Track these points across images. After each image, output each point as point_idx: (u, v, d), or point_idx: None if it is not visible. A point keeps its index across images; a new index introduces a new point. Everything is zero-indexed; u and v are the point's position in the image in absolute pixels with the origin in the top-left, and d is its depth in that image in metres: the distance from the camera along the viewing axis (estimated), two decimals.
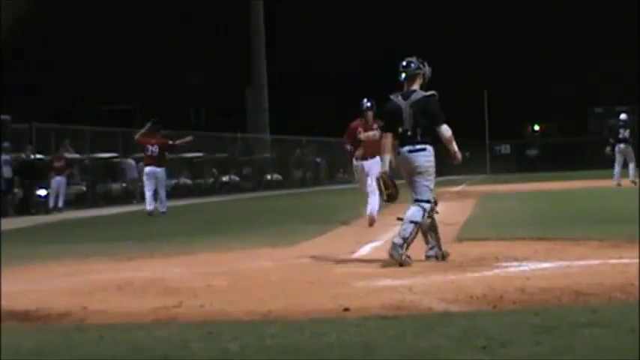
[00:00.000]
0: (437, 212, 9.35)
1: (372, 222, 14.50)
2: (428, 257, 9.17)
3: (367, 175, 14.81)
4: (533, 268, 8.31)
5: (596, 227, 12.16)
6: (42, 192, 26.71)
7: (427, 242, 9.23)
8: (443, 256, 9.15)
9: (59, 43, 58.96)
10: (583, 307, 6.02)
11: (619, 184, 25.91)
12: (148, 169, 21.42)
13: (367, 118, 15.04)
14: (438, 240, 9.23)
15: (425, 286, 7.32)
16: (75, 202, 29.15)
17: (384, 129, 9.61)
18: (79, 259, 10.75)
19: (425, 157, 9.14)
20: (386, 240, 12.10)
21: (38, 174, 26.70)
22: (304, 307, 6.47)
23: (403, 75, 9.36)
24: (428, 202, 9.11)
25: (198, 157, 39.97)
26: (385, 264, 9.11)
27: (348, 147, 15.32)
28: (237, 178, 42.37)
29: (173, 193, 33.75)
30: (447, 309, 6.21)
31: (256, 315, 6.19)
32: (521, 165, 60.98)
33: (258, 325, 5.76)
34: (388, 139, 9.40)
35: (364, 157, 15.02)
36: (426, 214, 9.08)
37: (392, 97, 9.41)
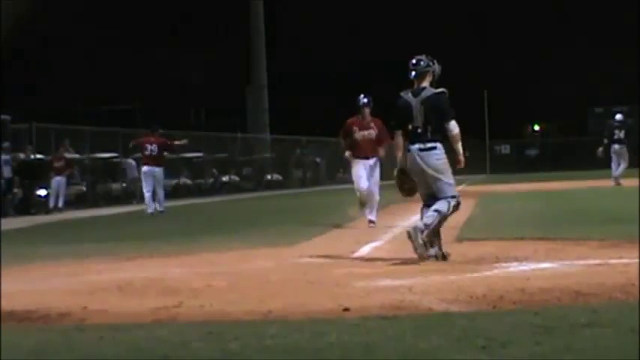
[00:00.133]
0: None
1: (370, 224, 14.24)
2: (428, 257, 9.16)
3: (369, 175, 14.47)
4: (533, 268, 8.31)
5: (596, 227, 12.16)
6: (42, 192, 26.71)
7: (428, 241, 9.22)
8: (443, 257, 9.15)
9: (59, 43, 58.94)
10: (583, 307, 6.02)
11: (618, 184, 25.92)
12: (145, 168, 21.39)
13: (364, 115, 14.55)
14: (439, 240, 9.24)
15: (425, 286, 7.32)
16: (75, 202, 29.15)
17: (394, 126, 9.61)
18: (79, 259, 10.75)
19: (436, 157, 9.17)
20: (386, 240, 12.12)
21: (38, 174, 26.70)
22: (304, 307, 6.47)
23: (413, 73, 9.41)
24: (453, 197, 9.17)
25: (198, 157, 39.97)
26: (385, 264, 9.11)
27: (347, 155, 14.87)
28: (237, 178, 42.37)
29: (173, 193, 33.79)
30: (447, 309, 6.21)
31: (256, 315, 6.19)
32: (521, 165, 60.96)
33: (258, 325, 5.76)
34: (400, 137, 9.44)
35: (364, 156, 14.56)
36: (452, 208, 9.14)
37: (402, 94, 9.46)
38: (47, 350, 5.28)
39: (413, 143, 9.24)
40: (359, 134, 14.52)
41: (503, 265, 8.61)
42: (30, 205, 26.10)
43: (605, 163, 27.32)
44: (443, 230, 9.42)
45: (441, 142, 9.22)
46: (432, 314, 6.07)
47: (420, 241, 8.93)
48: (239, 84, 54.58)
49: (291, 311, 6.30)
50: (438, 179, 9.17)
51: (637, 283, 6.81)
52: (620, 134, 26.60)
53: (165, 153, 22.15)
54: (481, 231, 12.09)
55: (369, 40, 62.77)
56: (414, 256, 9.19)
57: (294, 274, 8.62)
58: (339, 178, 46.73)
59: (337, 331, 5.32)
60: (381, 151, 14.60)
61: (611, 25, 60.65)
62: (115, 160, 33.25)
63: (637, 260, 8.00)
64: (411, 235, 8.94)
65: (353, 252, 10.57)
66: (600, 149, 26.70)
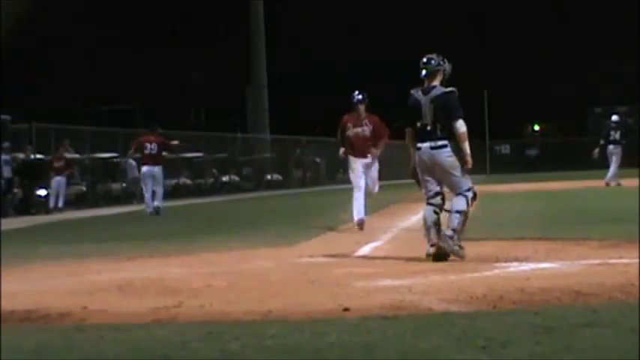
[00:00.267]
0: (444, 210, 9.39)
1: (361, 225, 13.71)
2: (428, 255, 9.17)
3: (366, 174, 14.05)
4: (533, 268, 8.31)
5: (596, 227, 12.17)
6: (42, 192, 26.71)
7: (429, 240, 9.24)
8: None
9: (59, 43, 58.93)
10: (583, 307, 6.02)
11: (618, 184, 25.94)
12: (145, 168, 21.28)
13: (358, 112, 13.97)
14: (439, 239, 9.25)
15: (425, 286, 7.32)
16: (75, 202, 29.15)
17: (403, 124, 9.63)
18: (79, 259, 10.76)
19: (447, 154, 9.24)
20: (386, 240, 12.12)
21: (38, 174, 26.69)
22: (304, 307, 6.47)
23: (424, 71, 9.47)
24: (468, 190, 9.24)
25: (198, 157, 39.97)
26: (385, 264, 9.12)
27: (341, 152, 14.35)
28: (237, 178, 42.36)
29: (173, 193, 33.78)
30: (447, 309, 6.21)
31: (256, 315, 6.19)
32: (521, 165, 60.93)
33: (258, 325, 5.76)
34: (411, 135, 9.50)
35: (359, 156, 14.01)
36: (470, 201, 9.21)
37: (412, 92, 9.54)
38: (47, 350, 5.28)
39: (423, 141, 9.30)
40: (352, 131, 13.97)
41: (504, 265, 8.62)
42: (30, 205, 26.10)
43: (604, 164, 27.33)
44: (442, 230, 9.41)
45: (449, 140, 9.27)
46: (432, 314, 6.07)
47: (455, 248, 9.01)
48: (239, 84, 54.57)
49: (291, 311, 6.30)
50: (450, 174, 9.25)
51: (637, 283, 6.81)
52: (616, 135, 26.62)
53: (165, 153, 22.13)
54: (481, 231, 12.09)
55: (369, 40, 62.75)
56: (414, 256, 9.19)
57: (294, 274, 8.62)
58: (339, 178, 46.75)
59: (337, 331, 5.32)
60: (375, 151, 14.12)
61: (611, 25, 60.63)
62: (114, 160, 33.24)
63: (637, 260, 8.01)
64: (445, 248, 8.98)
65: (353, 252, 10.58)
66: (596, 150, 26.77)
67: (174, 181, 35.89)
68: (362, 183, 13.94)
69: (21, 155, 26.97)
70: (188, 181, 38.83)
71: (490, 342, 4.89)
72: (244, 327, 5.68)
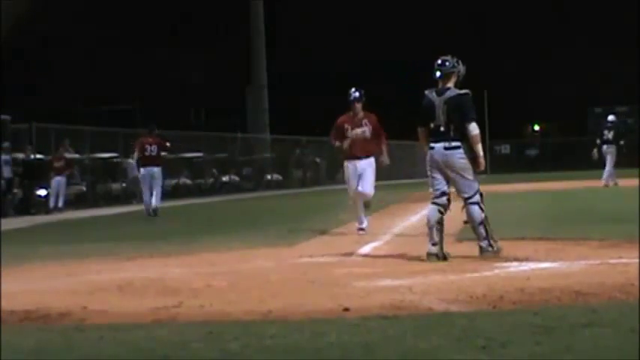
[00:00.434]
0: (450, 210, 9.44)
1: (361, 230, 13.08)
2: (429, 255, 9.18)
3: (360, 178, 13.16)
4: (533, 268, 8.31)
5: (596, 227, 12.17)
6: (42, 192, 26.71)
7: (430, 239, 9.25)
8: (444, 257, 9.16)
9: (59, 43, 58.94)
10: (583, 307, 6.02)
11: (615, 184, 25.97)
12: (144, 169, 21.14)
13: (355, 112, 13.16)
14: (441, 239, 9.27)
15: (425, 286, 7.32)
16: (75, 202, 29.15)
17: (418, 124, 9.67)
18: (79, 259, 10.75)
19: (460, 155, 9.30)
20: (386, 240, 12.11)
21: (38, 174, 26.69)
22: (304, 307, 6.47)
23: (438, 73, 9.51)
24: (476, 194, 9.32)
25: (198, 157, 39.97)
26: (385, 264, 9.12)
27: (337, 144, 13.39)
28: (237, 178, 42.35)
29: (173, 193, 33.79)
30: (447, 309, 6.21)
31: (256, 315, 6.19)
32: (521, 165, 60.95)
33: (258, 325, 5.76)
34: (424, 135, 9.58)
35: (355, 156, 13.19)
36: (480, 205, 9.30)
37: (426, 92, 9.59)
38: (47, 350, 5.28)
39: (436, 142, 9.37)
40: (351, 133, 13.16)
41: (504, 265, 8.62)
42: (30, 205, 26.10)
43: (603, 164, 27.36)
44: (444, 229, 9.42)
45: (462, 141, 9.32)
46: (432, 314, 6.08)
47: (496, 249, 9.20)
48: (239, 84, 54.57)
49: (291, 311, 6.30)
50: (461, 176, 9.30)
51: (637, 283, 6.81)
52: (609, 135, 26.68)
53: (164, 153, 22.10)
54: None
55: (369, 40, 62.76)
56: (414, 256, 9.19)
57: (294, 274, 8.62)
58: (339, 178, 46.77)
59: (337, 331, 5.32)
60: (386, 159, 13.40)
61: (611, 25, 60.65)
62: (114, 160, 33.25)
63: (637, 260, 8.01)
64: (488, 257, 9.08)
65: (353, 252, 10.58)
66: (595, 150, 26.87)
67: (174, 181, 35.89)
68: (354, 189, 13.25)
69: (21, 155, 26.96)
70: (188, 181, 38.83)
71: (490, 342, 4.89)
72: (244, 327, 5.68)
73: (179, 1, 62.28)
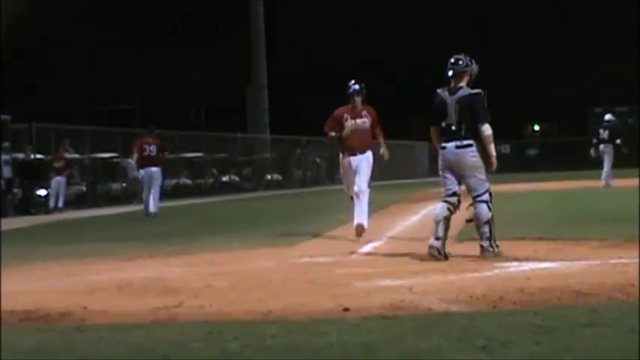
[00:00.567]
0: (459, 209, 9.47)
1: (360, 232, 12.18)
2: (430, 247, 9.17)
3: (355, 173, 12.42)
4: (533, 268, 8.31)
5: (596, 227, 12.17)
6: (42, 192, 26.70)
7: (435, 232, 9.26)
8: (445, 256, 9.16)
9: (59, 43, 58.94)
10: (583, 307, 6.02)
11: (607, 185, 26.03)
12: (143, 170, 21.01)
13: (355, 105, 12.47)
14: (444, 237, 9.28)
15: (425, 286, 7.32)
16: (75, 202, 29.15)
17: (429, 123, 9.68)
18: (79, 259, 10.76)
19: (472, 154, 9.34)
20: (386, 240, 12.11)
21: (38, 174, 26.69)
22: (304, 307, 6.47)
23: (451, 72, 9.52)
24: (485, 192, 9.33)
25: (198, 157, 39.97)
26: (385, 264, 9.13)
27: (332, 133, 12.54)
28: (237, 178, 42.35)
29: (173, 193, 33.79)
30: (447, 309, 6.21)
31: (256, 315, 6.19)
32: (521, 165, 60.92)
33: (258, 325, 5.76)
34: (436, 133, 9.58)
35: (352, 152, 12.45)
36: (489, 203, 9.33)
37: (439, 91, 9.59)
38: (47, 350, 5.28)
39: (448, 141, 9.39)
40: (350, 123, 12.40)
41: (504, 265, 8.62)
42: (30, 205, 26.09)
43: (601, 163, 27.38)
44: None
45: (475, 139, 9.35)
46: (432, 314, 6.07)
47: (496, 250, 9.21)
48: (239, 84, 54.57)
49: (291, 311, 6.30)
50: (473, 176, 9.34)
51: (637, 283, 6.81)
52: (604, 134, 26.73)
53: (166, 153, 22.06)
54: None
55: (369, 40, 62.74)
56: (414, 256, 9.20)
57: (294, 274, 8.62)
58: (339, 179, 46.72)
59: (337, 331, 5.32)
60: (387, 153, 12.80)
61: (611, 25, 60.64)
62: (114, 160, 33.24)
63: (637, 260, 8.01)
64: (488, 257, 9.09)
65: (353, 252, 10.57)
66: (592, 150, 26.93)
67: (174, 181, 35.89)
68: (360, 186, 12.50)
69: (21, 155, 26.96)
70: (188, 181, 38.83)
71: (490, 342, 4.89)
72: (244, 327, 5.68)
73: (179, 1, 62.27)
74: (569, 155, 57.73)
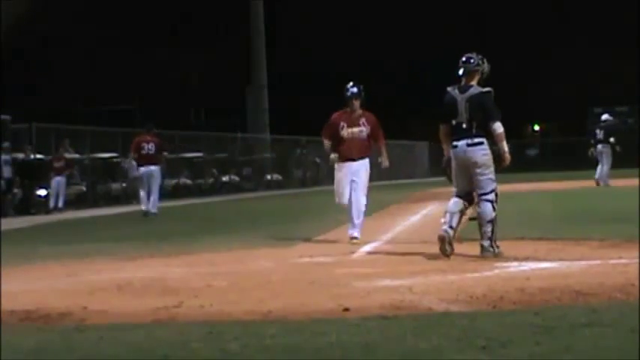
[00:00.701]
0: (471, 219, 9.51)
1: (352, 240, 11.68)
2: (445, 231, 9.19)
3: (352, 181, 11.91)
4: (533, 268, 8.31)
5: (596, 227, 12.17)
6: (42, 192, 26.70)
7: (448, 222, 9.29)
8: (452, 249, 9.17)
9: (59, 43, 58.95)
10: (583, 307, 6.02)
11: (598, 184, 26.07)
12: (143, 169, 20.90)
13: (353, 108, 11.94)
14: (456, 230, 9.35)
15: (425, 286, 7.32)
16: (75, 202, 29.14)
17: (439, 121, 9.71)
18: (79, 259, 10.75)
19: (483, 152, 9.38)
20: (386, 240, 12.10)
21: (38, 174, 26.68)
22: (304, 307, 6.47)
23: (461, 70, 9.55)
24: (492, 192, 9.37)
25: (198, 157, 39.96)
26: (385, 264, 9.12)
27: (326, 143, 12.15)
28: (237, 178, 42.35)
29: (173, 193, 33.78)
30: (447, 309, 6.21)
31: (256, 315, 6.19)
32: (521, 165, 60.91)
33: (258, 325, 5.76)
34: (445, 131, 9.60)
35: (348, 158, 11.93)
36: (494, 203, 9.34)
37: (449, 89, 9.62)
38: (47, 350, 5.28)
39: (459, 139, 9.41)
40: (347, 132, 11.89)
41: (504, 265, 8.62)
42: (30, 205, 26.09)
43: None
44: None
45: (486, 137, 9.39)
46: (432, 314, 6.07)
47: (497, 251, 9.19)
48: (239, 84, 54.57)
49: (291, 311, 6.30)
50: (482, 174, 9.37)
51: (637, 283, 6.81)
52: (601, 134, 26.80)
53: (165, 153, 21.98)
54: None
55: (369, 40, 62.74)
56: (414, 256, 9.19)
57: (294, 274, 8.62)
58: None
59: (337, 331, 5.32)
60: (386, 162, 12.33)
61: (611, 25, 60.64)
62: (114, 160, 33.23)
63: (637, 260, 8.01)
64: (488, 257, 9.09)
65: (353, 252, 10.57)
66: (591, 150, 27.02)
67: (174, 181, 35.89)
68: (345, 199, 11.96)
69: (21, 155, 26.95)
70: (188, 181, 38.82)
71: (490, 342, 4.89)
72: (244, 327, 5.68)
73: (179, 1, 62.28)
74: (569, 155, 57.71)
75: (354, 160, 11.95)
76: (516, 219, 14.77)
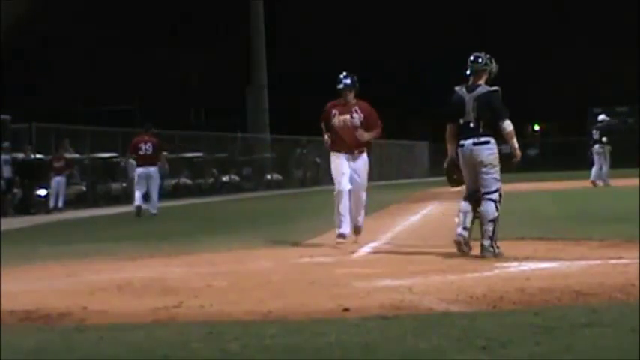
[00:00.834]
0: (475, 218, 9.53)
1: (342, 240, 11.17)
2: (459, 235, 9.24)
3: (352, 175, 11.31)
4: (533, 268, 8.31)
5: (596, 227, 12.17)
6: (42, 192, 26.70)
7: (463, 222, 9.34)
8: (469, 247, 9.26)
9: (59, 43, 58.95)
10: (583, 307, 6.02)
11: (594, 185, 26.07)
12: (140, 169, 20.78)
13: (347, 99, 11.35)
14: (471, 229, 9.38)
15: (425, 286, 7.32)
16: (75, 202, 29.13)
17: (446, 120, 9.71)
18: (79, 259, 10.75)
19: (489, 151, 9.38)
20: (386, 240, 12.10)
21: (38, 174, 26.68)
22: (304, 307, 6.47)
23: (469, 69, 9.59)
24: (496, 191, 9.37)
25: (198, 157, 39.96)
26: (385, 264, 9.12)
27: (326, 137, 11.57)
28: (237, 178, 42.35)
29: (173, 193, 33.78)
30: (447, 309, 6.21)
31: (256, 315, 6.19)
32: (522, 165, 60.83)
33: (258, 325, 5.76)
34: (451, 130, 9.60)
35: (347, 150, 11.34)
36: (498, 203, 9.34)
37: (456, 88, 9.64)
38: (47, 350, 5.28)
39: (466, 138, 9.43)
40: (338, 119, 11.28)
41: (504, 265, 8.62)
42: (30, 205, 26.09)
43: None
44: (444, 230, 9.43)
45: (493, 137, 9.39)
46: (432, 314, 6.07)
47: (497, 252, 9.18)
48: (239, 84, 54.57)
49: (291, 311, 6.30)
50: (487, 173, 9.38)
51: (637, 283, 6.81)
52: (596, 135, 26.86)
53: (165, 153, 21.90)
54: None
55: (369, 40, 62.74)
56: (414, 255, 9.20)
57: (294, 274, 8.62)
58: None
59: (337, 331, 5.32)
60: (365, 134, 11.30)
61: (611, 25, 60.64)
62: (114, 160, 33.23)
63: (637, 260, 8.01)
64: (487, 257, 9.10)
65: (353, 252, 10.57)
66: (590, 151, 27.11)
67: (174, 181, 35.89)
68: (345, 185, 11.28)
69: (21, 155, 26.95)
70: (188, 181, 38.82)
71: (490, 342, 4.89)
72: (244, 327, 5.68)
73: (179, 1, 62.28)
74: (569, 155, 57.73)
75: (353, 152, 11.32)
76: (516, 219, 14.78)
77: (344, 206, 11.25)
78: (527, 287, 6.95)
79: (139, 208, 20.36)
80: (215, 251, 11.24)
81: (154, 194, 20.66)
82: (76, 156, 30.46)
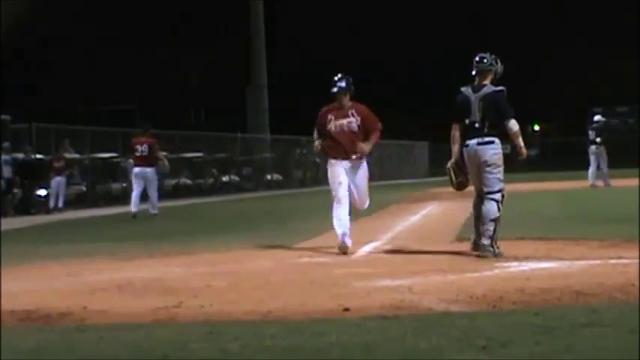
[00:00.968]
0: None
1: (344, 250, 10.36)
2: (487, 249, 9.22)
3: (350, 179, 10.66)
4: (534, 268, 8.32)
5: (596, 227, 12.17)
6: (42, 192, 26.69)
7: (477, 230, 9.35)
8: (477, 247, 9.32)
9: (59, 43, 58.95)
10: (583, 307, 6.02)
11: (592, 185, 26.08)
12: (137, 170, 20.71)
13: (342, 103, 10.72)
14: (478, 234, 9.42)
15: (425, 286, 7.32)
16: (75, 202, 29.13)
17: (452, 120, 9.72)
18: (79, 259, 10.75)
19: (493, 150, 9.39)
20: (386, 240, 12.10)
21: (38, 174, 26.68)
22: (304, 307, 6.47)
23: (475, 70, 9.62)
24: (498, 192, 9.37)
25: (198, 157, 39.96)
26: (385, 264, 9.12)
27: (316, 143, 10.94)
28: (237, 178, 42.34)
29: (173, 193, 33.77)
30: (447, 309, 6.21)
31: (256, 315, 6.19)
32: (522, 165, 60.90)
33: (258, 325, 5.76)
34: (457, 131, 9.62)
35: (345, 156, 10.63)
36: (500, 204, 9.34)
37: (462, 89, 9.67)
38: (47, 350, 5.28)
39: (471, 138, 9.45)
40: (334, 124, 10.63)
41: (504, 265, 8.62)
42: (30, 205, 26.08)
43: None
44: (444, 229, 9.43)
45: (498, 137, 9.42)
46: (432, 314, 6.08)
47: (497, 252, 9.19)
48: (239, 84, 54.58)
49: (291, 311, 6.30)
50: (491, 172, 9.38)
51: (637, 283, 6.81)
52: (592, 135, 26.90)
53: (165, 153, 21.86)
54: None
55: (369, 40, 62.75)
56: (414, 255, 9.20)
57: (294, 274, 8.62)
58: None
59: (337, 331, 5.32)
60: (364, 146, 10.62)
61: (611, 25, 60.66)
62: (114, 160, 33.23)
63: (637, 260, 8.01)
64: (487, 256, 9.11)
65: (353, 252, 10.56)
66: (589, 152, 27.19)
67: (174, 181, 35.88)
68: (344, 194, 10.61)
69: (21, 155, 26.95)
70: (188, 181, 38.81)
71: (490, 342, 4.89)
72: (244, 327, 5.68)
73: (179, 1, 62.28)
74: (569, 155, 57.71)
75: (348, 157, 10.63)
76: (516, 219, 14.78)
77: (340, 216, 10.58)
78: (527, 287, 6.95)
79: (134, 216, 20.19)
80: (215, 251, 11.24)
81: (153, 195, 20.54)
82: (76, 156, 30.45)
